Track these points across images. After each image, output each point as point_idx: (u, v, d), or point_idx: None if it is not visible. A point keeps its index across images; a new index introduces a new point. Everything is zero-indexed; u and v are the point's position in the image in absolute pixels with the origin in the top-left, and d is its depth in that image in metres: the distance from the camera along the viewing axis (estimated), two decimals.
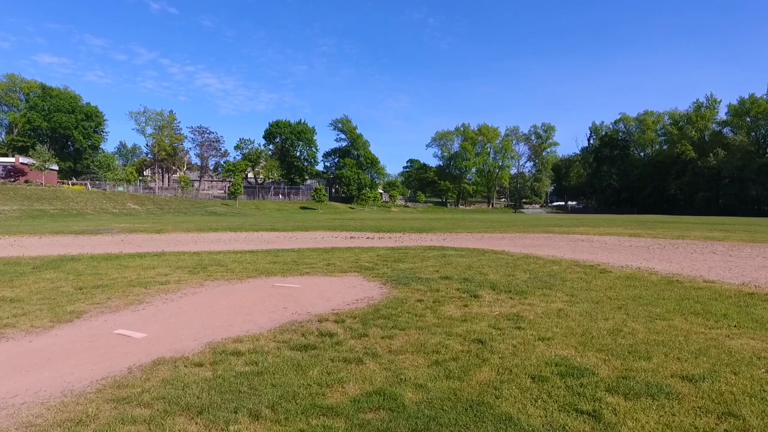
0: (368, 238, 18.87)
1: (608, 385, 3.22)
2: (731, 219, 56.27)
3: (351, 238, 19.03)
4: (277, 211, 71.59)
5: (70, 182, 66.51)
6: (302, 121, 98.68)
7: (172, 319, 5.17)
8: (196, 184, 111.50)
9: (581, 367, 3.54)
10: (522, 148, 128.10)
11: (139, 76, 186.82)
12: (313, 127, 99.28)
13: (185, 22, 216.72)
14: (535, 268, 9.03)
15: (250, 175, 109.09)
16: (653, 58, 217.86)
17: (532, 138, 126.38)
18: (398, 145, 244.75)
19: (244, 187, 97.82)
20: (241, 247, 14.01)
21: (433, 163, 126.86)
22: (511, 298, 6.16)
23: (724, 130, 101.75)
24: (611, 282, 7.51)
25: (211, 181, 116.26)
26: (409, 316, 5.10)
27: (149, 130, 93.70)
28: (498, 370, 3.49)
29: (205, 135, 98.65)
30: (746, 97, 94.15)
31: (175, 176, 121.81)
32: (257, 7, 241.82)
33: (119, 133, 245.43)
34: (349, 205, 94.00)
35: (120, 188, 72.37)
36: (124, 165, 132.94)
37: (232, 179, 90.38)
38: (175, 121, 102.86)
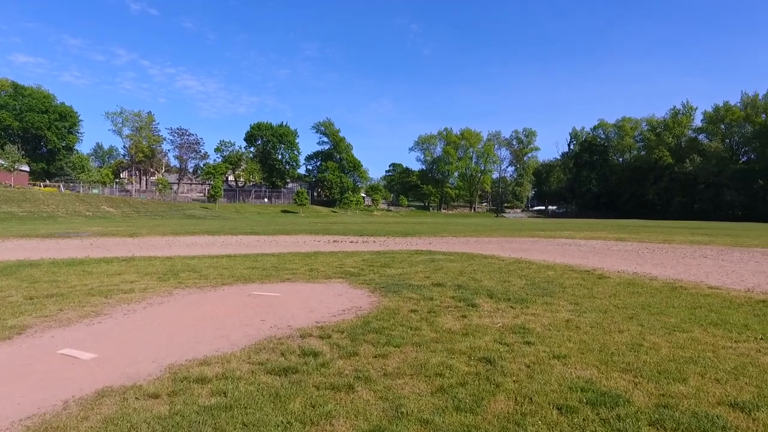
0: (352, 242, 18.26)
1: (649, 417, 2.69)
2: (709, 224, 57.31)
3: (334, 242, 18.40)
4: (258, 215, 70.40)
5: (42, 184, 64.26)
6: (284, 124, 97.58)
7: (131, 334, 4.49)
8: (175, 187, 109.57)
9: (611, 393, 3.01)
10: (504, 153, 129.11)
11: (117, 77, 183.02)
12: (295, 130, 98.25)
13: (166, 23, 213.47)
14: (529, 274, 8.56)
15: (231, 178, 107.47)
16: (631, 66, 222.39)
17: (514, 143, 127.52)
18: (381, 150, 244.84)
19: (224, 190, 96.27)
20: (218, 251, 13.27)
21: (416, 167, 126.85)
22: (512, 307, 5.63)
23: (700, 136, 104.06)
24: (613, 288, 7.06)
25: (191, 183, 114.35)
26: (404, 330, 4.52)
27: (126, 131, 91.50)
28: (516, 399, 2.93)
29: (185, 137, 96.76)
30: (720, 104, 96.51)
31: (153, 179, 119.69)
32: (240, 10, 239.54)
33: (96, 135, 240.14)
34: (331, 208, 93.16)
35: (95, 191, 70.33)
36: (100, 167, 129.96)
37: (212, 182, 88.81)
38: (154, 123, 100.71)
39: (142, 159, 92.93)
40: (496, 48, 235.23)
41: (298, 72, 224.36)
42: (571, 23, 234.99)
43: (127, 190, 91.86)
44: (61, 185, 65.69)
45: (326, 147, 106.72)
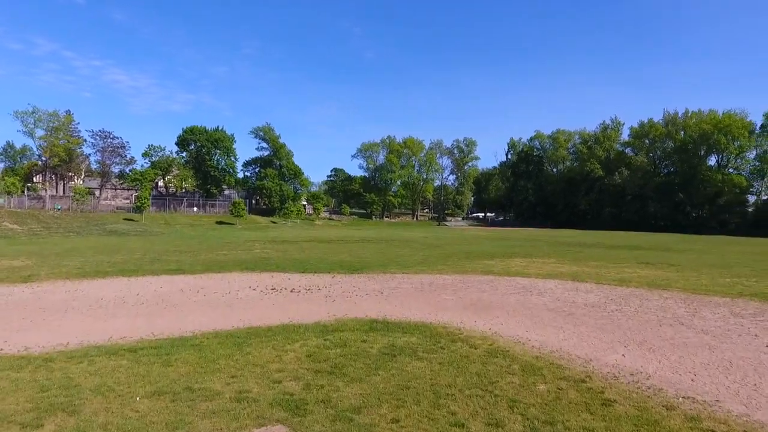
0: (292, 291, 16.04)
1: None
2: (640, 236, 59.66)
3: (272, 290, 16.13)
4: (190, 227, 65.66)
5: None
6: (220, 128, 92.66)
7: None
8: (97, 192, 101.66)
9: None
10: (445, 162, 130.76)
11: (36, 68, 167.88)
12: (232, 135, 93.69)
13: (93, 13, 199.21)
14: (519, 394, 6.86)
15: (161, 183, 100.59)
16: (566, 79, 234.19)
17: (455, 152, 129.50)
18: (324, 151, 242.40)
19: (154, 197, 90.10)
20: (124, 327, 10.60)
21: (359, 173, 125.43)
22: None
23: (627, 150, 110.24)
24: None
25: (115, 189, 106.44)
26: None
27: (39, 133, 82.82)
28: None
29: (108, 140, 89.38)
30: (645, 121, 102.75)
31: (72, 184, 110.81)
32: (174, 3, 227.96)
33: (7, 132, 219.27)
34: (270, 218, 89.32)
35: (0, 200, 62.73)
36: (12, 167, 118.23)
37: (139, 190, 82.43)
38: (73, 123, 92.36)
39: (58, 164, 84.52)
40: (437, 54, 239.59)
41: (237, 70, 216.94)
42: (512, 32, 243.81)
43: (41, 196, 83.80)
44: None
45: (265, 153, 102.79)
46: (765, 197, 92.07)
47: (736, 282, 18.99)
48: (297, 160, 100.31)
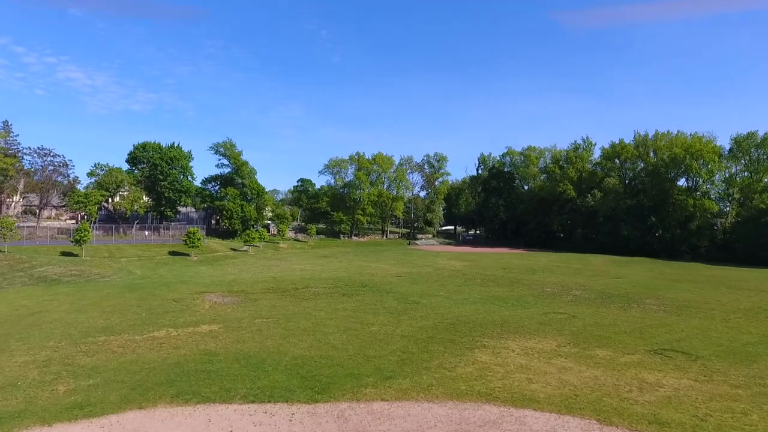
0: None
1: None
2: (621, 273, 56.12)
3: None
4: (138, 262, 59.23)
5: None
6: (176, 145, 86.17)
7: None
8: (37, 212, 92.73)
9: None
10: (416, 178, 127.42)
11: None
12: (189, 152, 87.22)
13: (45, 7, 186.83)
14: None
15: (110, 201, 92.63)
16: (536, 90, 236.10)
17: (426, 167, 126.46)
18: (289, 154, 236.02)
19: (102, 218, 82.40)
20: None
21: (325, 182, 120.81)
22: None
23: (597, 169, 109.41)
24: None
25: (58, 207, 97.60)
26: None
27: None
28: None
29: (48, 158, 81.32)
30: (617, 141, 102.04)
31: (10, 200, 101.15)
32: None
33: None
34: (230, 243, 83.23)
35: None
36: None
37: (83, 214, 74.73)
38: (12, 136, 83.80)
39: None
40: (405, 57, 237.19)
41: (201, 70, 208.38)
42: (479, 37, 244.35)
43: None
44: None
45: (226, 170, 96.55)
46: (731, 220, 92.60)
47: None
48: (260, 164, 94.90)
